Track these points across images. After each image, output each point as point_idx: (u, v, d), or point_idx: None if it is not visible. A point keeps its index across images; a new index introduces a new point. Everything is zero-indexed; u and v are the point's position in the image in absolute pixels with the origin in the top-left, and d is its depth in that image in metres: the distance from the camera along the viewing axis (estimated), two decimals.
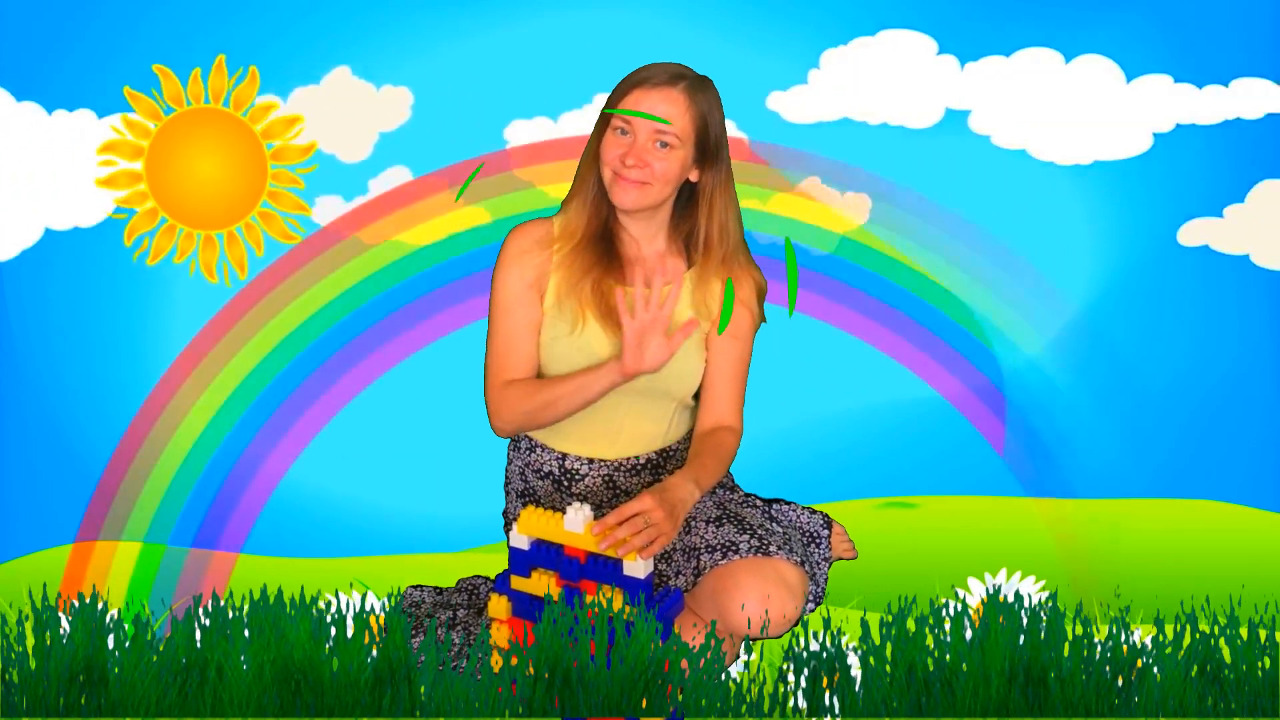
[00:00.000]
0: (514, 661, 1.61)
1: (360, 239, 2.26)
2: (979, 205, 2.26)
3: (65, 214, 2.22)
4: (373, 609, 1.66)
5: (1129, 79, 2.21)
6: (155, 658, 1.59)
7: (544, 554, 1.73)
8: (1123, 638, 1.61)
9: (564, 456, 1.93)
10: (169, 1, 2.18)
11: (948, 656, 1.60)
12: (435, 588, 2.03)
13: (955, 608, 1.62)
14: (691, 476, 1.78)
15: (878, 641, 1.61)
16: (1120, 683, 1.60)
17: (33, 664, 1.60)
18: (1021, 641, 1.60)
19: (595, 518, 1.72)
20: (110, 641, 1.61)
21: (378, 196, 2.25)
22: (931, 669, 1.60)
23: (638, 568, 1.67)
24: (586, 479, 1.93)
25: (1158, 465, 2.27)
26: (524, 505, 1.97)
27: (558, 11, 2.22)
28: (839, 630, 1.65)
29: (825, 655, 1.63)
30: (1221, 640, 1.60)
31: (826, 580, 1.95)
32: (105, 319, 2.25)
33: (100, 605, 1.63)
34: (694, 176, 1.85)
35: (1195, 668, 1.60)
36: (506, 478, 2.02)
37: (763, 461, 2.14)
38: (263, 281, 2.26)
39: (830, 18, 2.22)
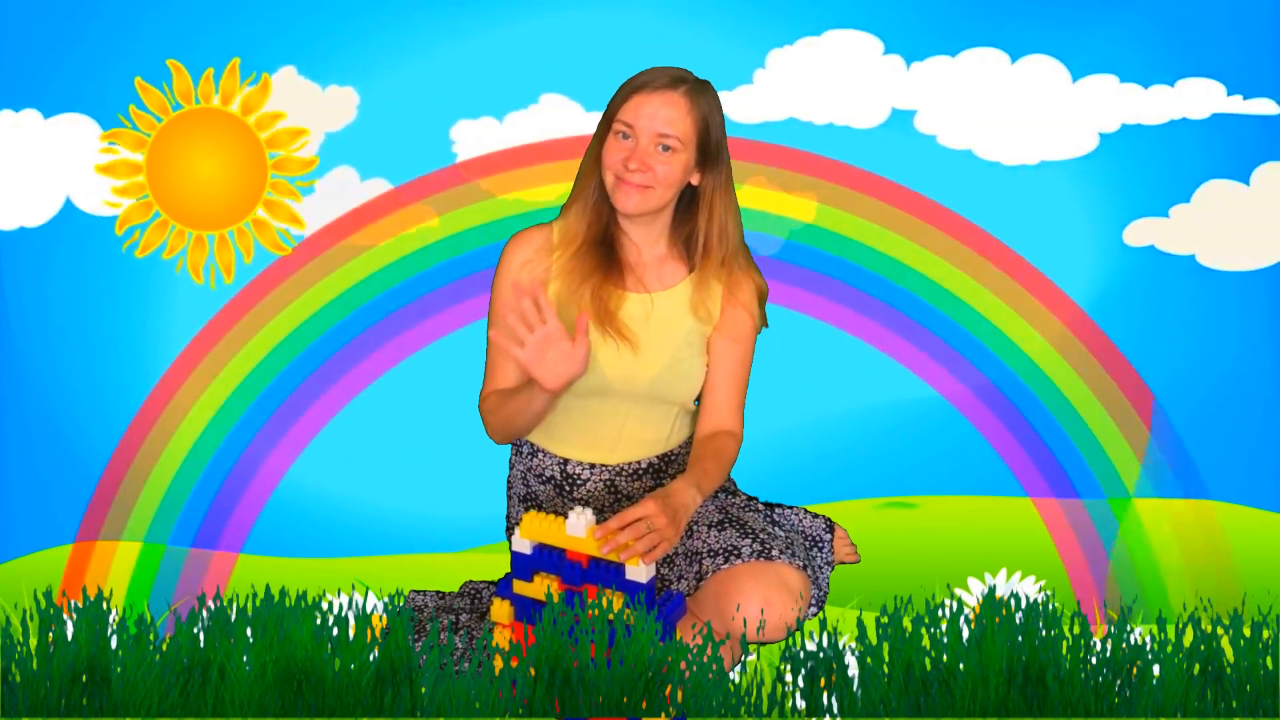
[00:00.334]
0: (514, 663, 1.61)
1: (360, 240, 2.26)
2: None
3: (65, 214, 2.22)
4: (375, 609, 1.66)
5: (1075, 79, 2.21)
6: (158, 658, 1.59)
7: (546, 558, 1.74)
8: (1123, 638, 1.61)
9: (565, 461, 1.93)
10: (114, 3, 2.18)
11: (945, 657, 1.60)
12: (438, 592, 2.03)
13: (953, 607, 1.62)
14: (693, 481, 1.77)
15: (874, 641, 1.61)
16: (1119, 683, 1.60)
17: (35, 663, 1.60)
18: (1020, 641, 1.60)
19: (597, 522, 1.72)
20: (114, 641, 1.61)
21: (378, 197, 2.25)
22: (929, 669, 1.61)
23: (640, 572, 1.67)
24: (588, 484, 1.93)
25: (1157, 465, 2.28)
26: (526, 510, 1.97)
27: (504, 12, 2.22)
28: (835, 630, 1.65)
29: (822, 656, 1.63)
30: (1225, 640, 1.61)
31: (828, 584, 1.95)
32: (105, 319, 2.25)
33: (105, 605, 1.63)
34: (695, 180, 1.85)
35: (1197, 667, 1.60)
36: (508, 482, 2.02)
37: (763, 462, 2.14)
38: (263, 281, 2.26)
39: (776, 18, 2.22)
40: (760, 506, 1.99)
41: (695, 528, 1.85)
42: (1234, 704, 1.60)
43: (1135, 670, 1.60)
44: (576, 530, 1.70)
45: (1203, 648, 1.60)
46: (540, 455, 1.95)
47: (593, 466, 1.93)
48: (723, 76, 2.11)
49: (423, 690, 1.60)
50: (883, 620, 1.62)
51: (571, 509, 1.75)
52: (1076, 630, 1.61)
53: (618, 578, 1.69)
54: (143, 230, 2.21)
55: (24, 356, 2.24)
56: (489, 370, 1.89)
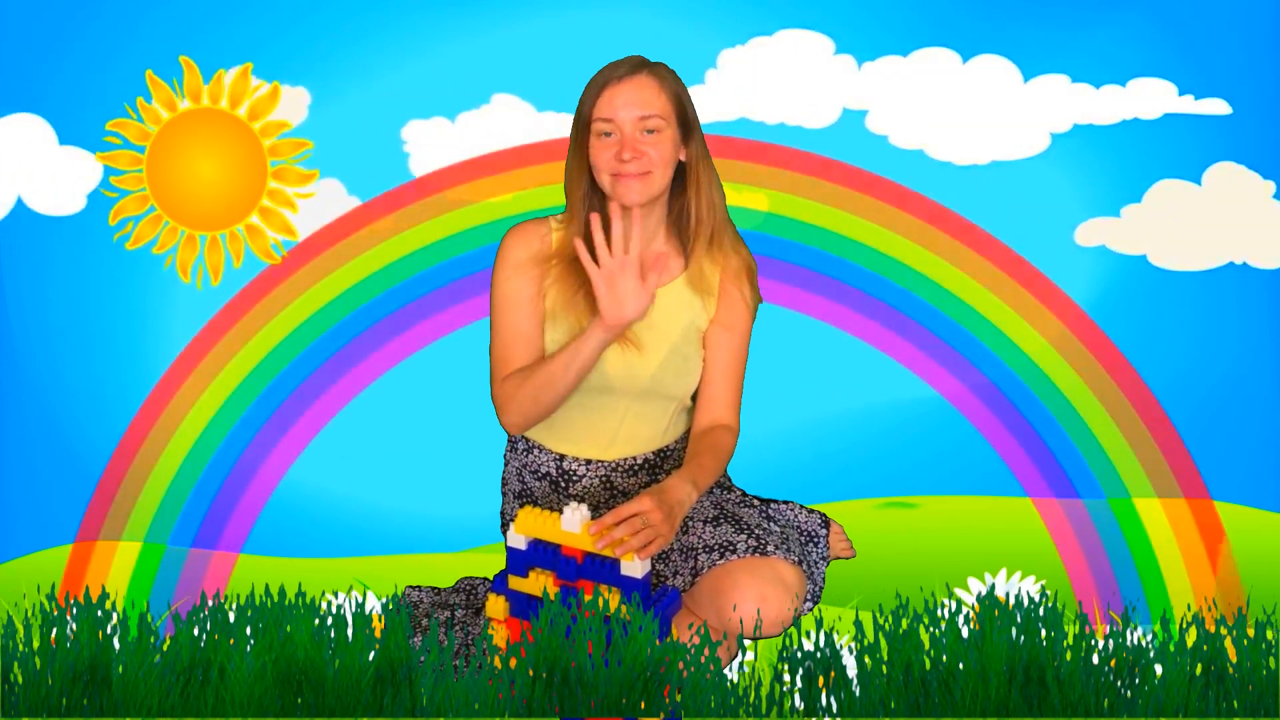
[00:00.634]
0: (513, 663, 1.61)
1: (362, 237, 2.26)
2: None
3: (65, 213, 2.23)
4: (374, 609, 1.66)
5: (1026, 79, 2.21)
6: (158, 658, 1.59)
7: (541, 554, 1.74)
8: (1124, 638, 1.61)
9: (561, 458, 1.93)
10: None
11: (944, 657, 1.60)
12: (433, 588, 2.04)
13: (952, 607, 1.62)
14: (689, 477, 1.78)
15: (870, 640, 1.61)
16: (1120, 683, 1.60)
17: (37, 663, 1.60)
18: (1021, 641, 1.60)
19: (592, 518, 1.72)
20: (114, 642, 1.61)
21: (378, 197, 2.25)
22: (929, 669, 1.60)
23: (635, 568, 1.67)
24: (584, 480, 1.93)
25: (1157, 464, 2.28)
26: (521, 506, 1.97)
27: (454, 13, 2.22)
28: (833, 629, 1.65)
29: (821, 655, 1.63)
30: (1228, 640, 1.60)
31: (824, 579, 1.95)
32: (105, 319, 2.25)
33: (109, 605, 1.63)
34: (683, 155, 1.85)
35: (1199, 667, 1.60)
36: (503, 478, 2.02)
37: (763, 462, 2.14)
38: (263, 282, 2.26)
39: (728, 18, 2.21)
40: (756, 502, 1.99)
41: (691, 523, 1.85)
42: (1235, 704, 1.60)
43: (1137, 670, 1.60)
44: (571, 526, 1.70)
45: (1206, 648, 1.60)
46: (536, 451, 1.95)
47: (589, 462, 1.93)
48: None
49: (422, 691, 1.60)
50: (881, 620, 1.62)
51: (567, 504, 1.75)
52: (1077, 630, 1.61)
53: (612, 573, 1.69)
54: (136, 223, 2.20)
55: (24, 357, 2.24)
56: (500, 359, 1.87)
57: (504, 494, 2.03)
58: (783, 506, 2.03)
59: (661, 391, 1.89)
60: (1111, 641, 1.61)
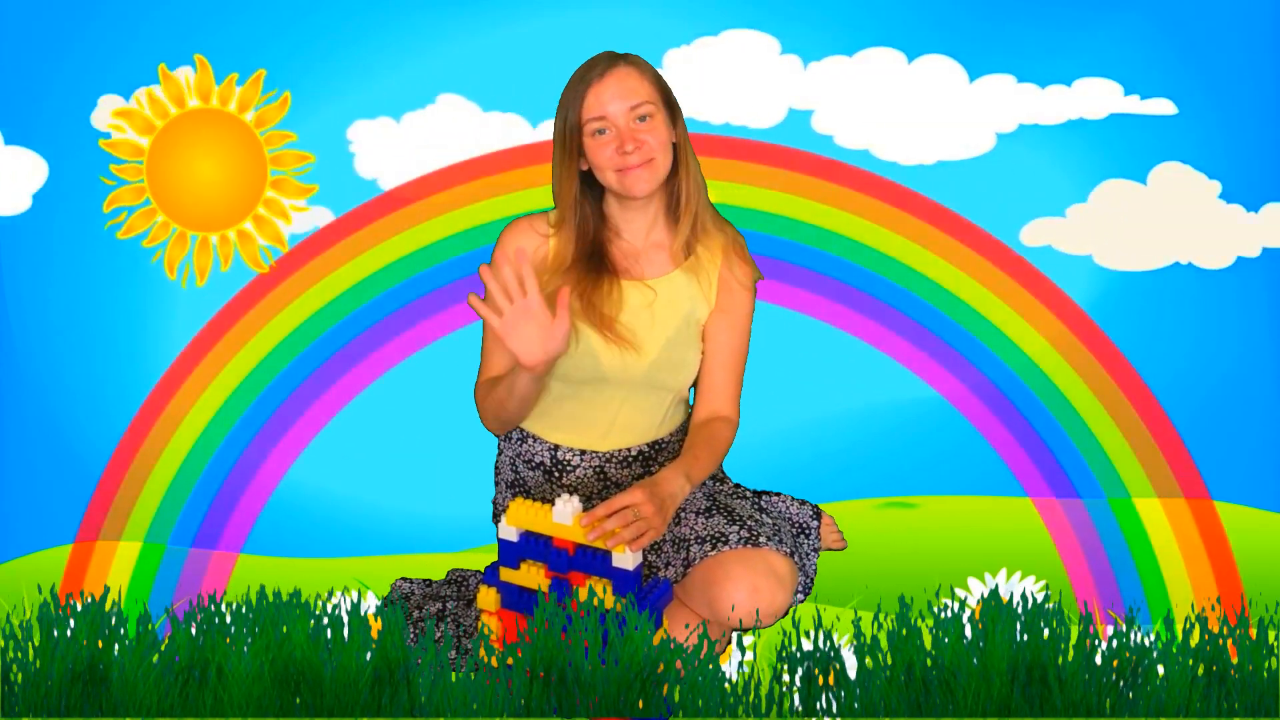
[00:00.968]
0: (510, 662, 1.61)
1: (361, 238, 2.26)
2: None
3: (66, 212, 2.23)
4: (370, 609, 1.66)
5: (972, 79, 2.20)
6: (157, 658, 1.59)
7: (533, 546, 1.74)
8: (1126, 638, 1.61)
9: (555, 448, 1.93)
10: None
11: (945, 657, 1.60)
12: (424, 580, 2.04)
13: (953, 607, 1.62)
14: (683, 470, 1.78)
15: (869, 640, 1.61)
16: (1122, 683, 1.60)
17: (37, 663, 1.60)
18: (1023, 641, 1.60)
19: (584, 509, 1.72)
20: (114, 642, 1.61)
21: (377, 197, 2.26)
22: (930, 668, 1.60)
23: (626, 559, 1.67)
24: (577, 470, 1.93)
25: (1157, 464, 2.27)
26: (513, 496, 1.97)
27: (399, 12, 2.21)
28: (831, 629, 1.65)
29: (819, 655, 1.63)
30: (1230, 640, 1.60)
31: (816, 570, 1.95)
32: (105, 319, 2.25)
33: (111, 605, 1.63)
34: (675, 136, 1.85)
35: (1201, 667, 1.60)
36: (496, 468, 2.02)
37: (762, 461, 2.14)
38: (262, 282, 2.26)
39: (673, 17, 2.21)
40: (748, 493, 1.99)
41: (683, 514, 1.85)
42: (1236, 705, 1.60)
43: (1139, 671, 1.60)
44: (563, 517, 1.70)
45: (1208, 648, 1.60)
46: (530, 441, 1.94)
47: (583, 453, 1.92)
48: None
49: (420, 690, 1.60)
50: (880, 619, 1.62)
51: (558, 496, 1.75)
52: (1080, 630, 1.61)
53: (604, 565, 1.69)
54: (129, 214, 2.20)
55: (24, 357, 2.24)
56: (484, 359, 1.88)
57: (496, 483, 2.03)
58: (775, 498, 2.03)
59: (657, 383, 1.89)
60: (1114, 642, 1.61)
